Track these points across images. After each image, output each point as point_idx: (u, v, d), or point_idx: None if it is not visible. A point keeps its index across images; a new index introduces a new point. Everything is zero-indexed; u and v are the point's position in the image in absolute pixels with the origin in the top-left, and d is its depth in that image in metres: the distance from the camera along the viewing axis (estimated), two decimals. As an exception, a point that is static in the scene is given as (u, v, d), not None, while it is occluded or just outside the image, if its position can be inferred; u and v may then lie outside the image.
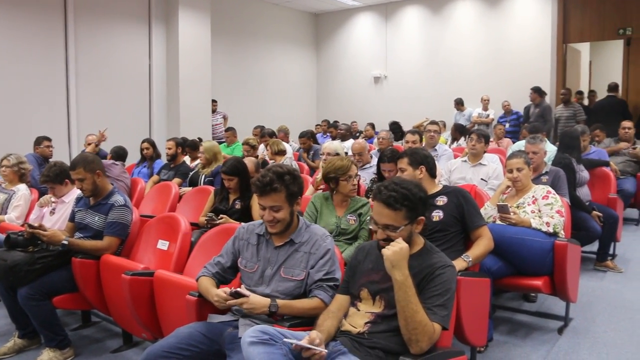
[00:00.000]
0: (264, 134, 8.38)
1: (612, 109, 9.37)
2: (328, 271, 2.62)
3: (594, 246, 5.48)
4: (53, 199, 4.35)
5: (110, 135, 8.35)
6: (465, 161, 5.42)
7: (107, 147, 7.52)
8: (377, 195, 2.34)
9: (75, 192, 4.20)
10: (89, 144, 7.32)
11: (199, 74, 10.95)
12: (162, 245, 3.67)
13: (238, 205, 4.43)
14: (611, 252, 5.62)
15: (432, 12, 12.74)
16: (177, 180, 6.11)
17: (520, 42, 11.43)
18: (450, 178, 5.34)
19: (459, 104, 11.79)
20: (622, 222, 5.93)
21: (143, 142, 7.23)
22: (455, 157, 6.12)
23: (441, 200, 3.35)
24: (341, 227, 3.71)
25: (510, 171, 4.03)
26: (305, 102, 14.68)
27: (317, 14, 14.73)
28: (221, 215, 4.26)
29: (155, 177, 6.55)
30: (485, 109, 11.37)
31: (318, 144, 8.88)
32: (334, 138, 9.69)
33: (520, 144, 6.24)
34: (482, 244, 3.24)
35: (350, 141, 8.30)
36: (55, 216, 4.25)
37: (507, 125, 10.45)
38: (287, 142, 8.61)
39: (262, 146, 7.93)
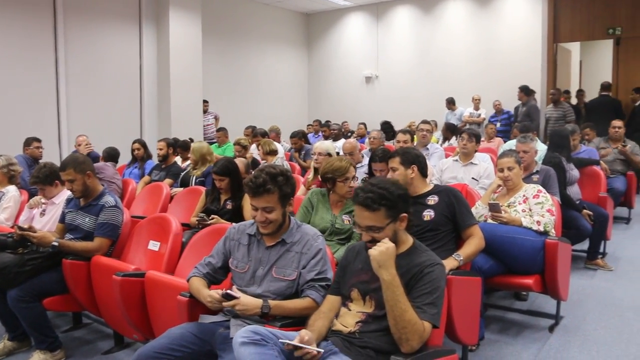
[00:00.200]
0: (255, 133, 8.37)
1: (606, 108, 9.42)
2: (320, 271, 2.62)
3: (585, 245, 5.50)
4: (43, 200, 4.32)
5: (101, 136, 8.36)
6: (456, 160, 5.43)
7: (98, 148, 7.49)
8: (355, 198, 2.35)
9: (65, 193, 4.17)
10: (79, 145, 7.30)
11: (190, 74, 10.92)
12: (153, 246, 3.65)
13: (229, 206, 4.43)
14: (601, 250, 5.65)
15: (423, 12, 12.76)
16: (168, 180, 6.09)
17: (511, 42, 11.48)
18: (441, 177, 5.36)
19: (450, 103, 11.83)
20: (612, 221, 5.98)
21: (134, 142, 7.20)
22: (447, 156, 6.14)
23: (432, 200, 3.36)
24: (336, 226, 3.70)
25: (501, 170, 4.05)
26: (296, 102, 14.67)
27: (308, 13, 14.73)
28: (212, 216, 4.25)
29: (146, 178, 6.52)
30: (477, 108, 11.42)
31: (309, 144, 8.88)
32: (326, 138, 9.69)
33: (511, 143, 6.26)
34: (473, 243, 3.25)
35: (342, 141, 8.30)
36: (46, 217, 4.22)
37: (498, 124, 10.51)
38: (279, 142, 8.61)
39: (253, 146, 7.92)
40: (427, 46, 12.76)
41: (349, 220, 3.71)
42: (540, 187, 4.01)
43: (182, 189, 5.63)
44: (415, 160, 3.43)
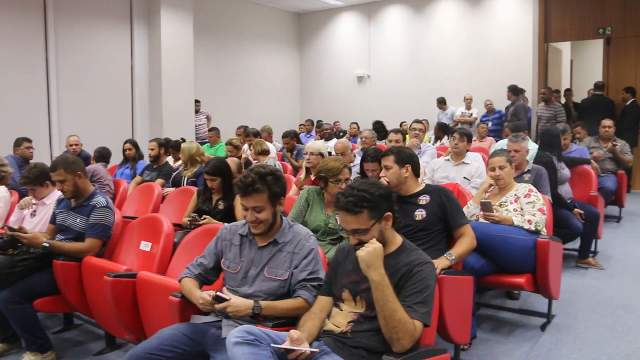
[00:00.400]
0: (247, 133, 8.36)
1: (599, 108, 9.46)
2: (312, 271, 2.62)
3: (576, 243, 5.53)
4: (34, 201, 4.29)
5: (93, 136, 8.32)
6: (448, 160, 5.44)
7: (90, 148, 7.46)
8: (337, 203, 2.35)
9: (56, 194, 4.15)
10: (70, 145, 7.28)
11: (182, 74, 10.88)
12: (145, 246, 3.64)
13: (221, 206, 4.42)
14: (593, 249, 5.67)
15: (414, 11, 12.78)
16: (160, 181, 6.08)
17: (502, 42, 11.51)
18: (433, 177, 5.37)
19: (441, 102, 11.86)
20: (603, 220, 6.01)
21: (125, 142, 7.17)
22: (439, 155, 6.15)
23: (424, 200, 3.36)
24: (329, 226, 3.70)
25: (493, 169, 4.06)
26: (288, 101, 14.65)
27: (300, 13, 14.71)
28: (204, 216, 4.24)
29: (138, 178, 6.50)
30: (469, 108, 11.45)
31: (302, 143, 8.87)
32: (320, 138, 9.69)
33: (503, 143, 6.28)
34: (465, 242, 3.25)
35: (334, 141, 8.30)
36: (36, 218, 4.20)
37: (490, 124, 10.55)
38: (271, 142, 8.60)
39: (246, 146, 7.91)
40: (419, 46, 12.78)
41: None
42: (532, 187, 4.03)
43: (173, 189, 5.61)
44: (410, 160, 3.43)
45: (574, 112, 10.69)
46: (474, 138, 7.67)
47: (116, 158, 7.39)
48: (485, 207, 3.82)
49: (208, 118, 11.51)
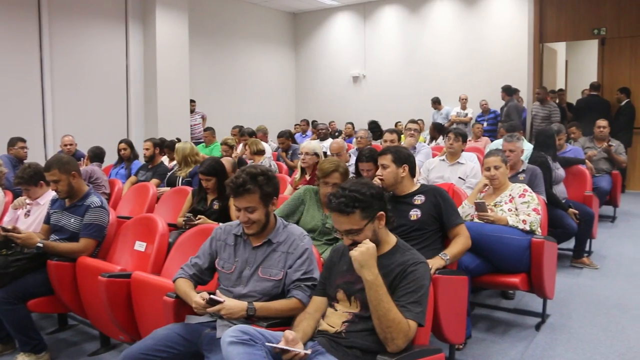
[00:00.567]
0: (243, 132, 8.35)
1: (595, 108, 9.49)
2: (306, 271, 2.61)
3: (571, 243, 5.54)
4: (28, 201, 4.28)
5: (87, 136, 8.30)
6: (443, 160, 5.45)
7: (84, 148, 7.44)
8: (329, 205, 2.35)
9: (50, 194, 4.13)
10: (65, 145, 7.25)
11: (177, 73, 10.85)
12: (140, 246, 3.64)
13: (216, 206, 4.41)
14: (587, 249, 5.69)
15: (410, 11, 12.79)
16: (154, 181, 6.06)
17: (497, 42, 11.54)
18: (428, 177, 5.37)
19: (436, 102, 11.87)
20: (598, 220, 6.03)
21: (120, 142, 7.15)
22: (434, 155, 6.16)
23: (419, 200, 3.36)
24: (326, 226, 3.69)
25: (488, 169, 4.07)
26: (284, 101, 14.64)
27: (295, 13, 14.71)
28: (199, 216, 4.23)
29: (132, 178, 6.49)
30: (464, 108, 11.47)
31: (297, 143, 8.86)
32: (317, 138, 9.69)
33: (498, 143, 6.29)
34: (460, 242, 3.26)
35: (329, 140, 8.30)
36: (30, 218, 4.18)
37: (485, 124, 10.57)
38: (266, 142, 8.59)
39: (241, 145, 7.89)
40: (414, 46, 12.79)
41: None
42: (526, 187, 4.03)
43: (168, 189, 5.60)
44: (407, 160, 3.43)
45: (568, 113, 10.70)
46: (469, 138, 7.69)
47: (111, 158, 7.37)
48: (480, 207, 3.82)
49: (203, 118, 11.49)
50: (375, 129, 9.93)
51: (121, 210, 5.23)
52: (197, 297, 2.50)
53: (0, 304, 3.35)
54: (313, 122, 12.51)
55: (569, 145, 6.91)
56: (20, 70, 8.87)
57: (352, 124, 11.29)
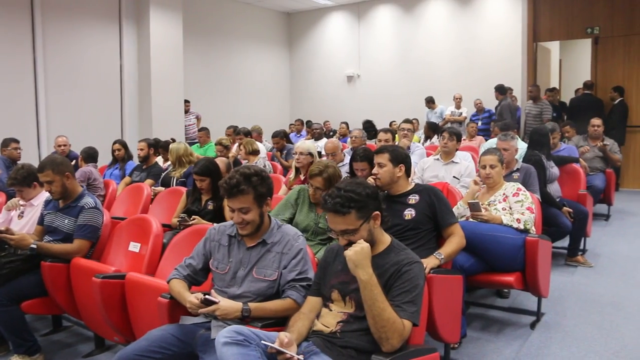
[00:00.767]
0: (238, 132, 8.34)
1: (588, 107, 9.55)
2: (300, 271, 2.61)
3: (565, 242, 5.56)
4: (21, 202, 4.26)
5: (81, 136, 8.27)
6: (437, 159, 5.45)
7: (78, 148, 7.42)
8: (324, 205, 2.34)
9: (44, 195, 4.12)
10: (59, 146, 7.23)
11: (171, 74, 10.83)
12: (134, 247, 3.63)
13: (210, 206, 4.40)
14: (581, 247, 5.71)
15: (404, 11, 12.80)
16: (149, 181, 6.05)
17: (491, 41, 11.55)
18: (423, 176, 5.37)
19: (430, 102, 11.88)
20: (592, 218, 6.05)
21: (114, 143, 7.12)
22: (428, 155, 6.16)
23: (413, 199, 3.36)
24: (319, 226, 3.70)
25: (484, 167, 4.08)
26: (278, 101, 14.63)
27: (289, 13, 14.70)
28: (193, 217, 4.22)
29: (127, 179, 6.47)
30: (458, 107, 11.48)
31: (291, 143, 8.86)
32: (312, 137, 9.68)
33: (492, 142, 6.30)
34: (454, 242, 3.26)
35: (324, 140, 8.29)
36: (24, 220, 4.16)
37: (480, 123, 10.57)
38: (261, 141, 8.58)
39: (236, 145, 7.88)
40: (409, 45, 12.80)
41: None
42: (520, 185, 4.04)
43: (163, 189, 5.58)
44: (404, 160, 3.43)
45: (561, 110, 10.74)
46: (463, 137, 7.70)
47: (105, 158, 7.35)
48: (474, 207, 3.82)
49: (198, 118, 11.47)
50: (369, 128, 9.95)
51: (115, 211, 5.21)
52: (192, 297, 2.50)
53: (-6, 306, 3.34)
54: (307, 122, 12.50)
55: (563, 143, 6.92)
56: (13, 71, 8.84)
57: (346, 123, 11.30)
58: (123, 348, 2.55)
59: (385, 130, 6.10)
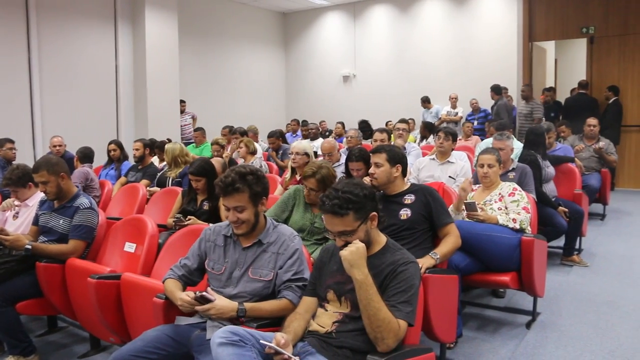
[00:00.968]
0: (234, 132, 8.33)
1: (583, 107, 9.57)
2: (296, 271, 2.61)
3: (561, 241, 5.57)
4: (16, 203, 4.24)
5: (77, 137, 8.24)
6: (433, 159, 5.45)
7: (73, 149, 7.40)
8: (322, 207, 2.33)
9: (39, 195, 4.10)
10: (54, 146, 7.20)
11: (167, 74, 10.81)
12: (129, 247, 3.62)
13: (206, 206, 4.40)
14: (577, 246, 5.71)
15: (399, 11, 12.80)
16: (144, 181, 6.03)
17: (487, 41, 11.57)
18: (418, 176, 5.37)
19: (425, 102, 11.89)
20: (588, 217, 6.06)
21: (110, 143, 7.11)
22: (424, 154, 6.16)
23: (409, 199, 3.36)
24: (315, 225, 3.70)
25: (482, 166, 4.09)
26: (274, 101, 14.62)
27: (285, 13, 14.69)
28: (189, 217, 4.21)
29: (122, 179, 6.46)
30: (454, 107, 11.49)
31: (287, 143, 8.85)
32: (305, 137, 9.68)
33: (488, 142, 6.30)
34: (450, 241, 3.26)
35: (320, 140, 8.29)
36: (19, 220, 4.14)
37: (476, 122, 10.59)
38: (257, 142, 8.57)
39: (231, 145, 7.87)
40: (404, 45, 12.81)
41: None
42: (516, 185, 4.05)
43: (158, 189, 5.57)
44: (401, 160, 3.43)
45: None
46: (459, 137, 7.70)
47: (100, 159, 7.34)
48: (470, 207, 3.82)
49: (193, 118, 11.46)
50: (365, 128, 9.94)
51: (111, 211, 5.20)
52: (183, 295, 2.50)
53: (-11, 307, 3.33)
54: (303, 121, 12.49)
55: (559, 143, 6.94)
56: (8, 71, 8.80)
57: (342, 123, 11.29)
58: (118, 349, 2.54)
59: (381, 130, 6.10)
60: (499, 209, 3.91)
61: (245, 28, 13.59)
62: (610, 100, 9.81)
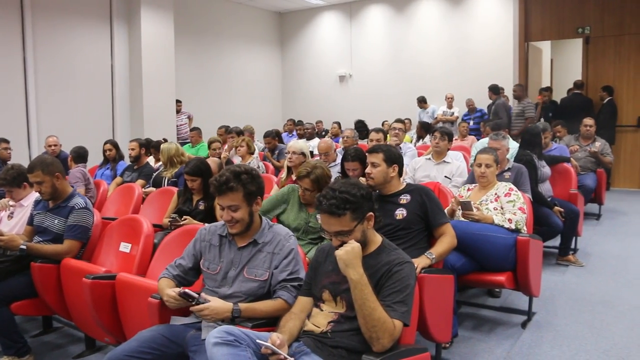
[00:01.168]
0: (230, 131, 8.32)
1: (578, 107, 9.60)
2: (292, 271, 2.61)
3: (556, 241, 5.58)
4: (11, 203, 4.23)
5: (72, 136, 8.22)
6: (429, 159, 5.46)
7: (69, 149, 7.37)
8: (319, 207, 2.33)
9: (33, 195, 4.10)
10: (49, 146, 7.18)
11: (163, 73, 10.78)
12: (125, 247, 3.61)
13: (202, 206, 4.39)
14: (573, 246, 5.73)
15: (396, 11, 12.81)
16: (140, 181, 6.02)
17: (483, 41, 11.59)
18: (414, 176, 5.38)
19: (421, 102, 11.89)
20: (583, 217, 6.07)
21: (106, 143, 7.09)
22: (420, 154, 6.17)
23: (404, 199, 3.36)
24: (310, 225, 3.70)
25: (479, 165, 4.09)
26: (270, 101, 14.60)
27: (281, 12, 14.69)
28: (185, 217, 4.21)
29: (118, 179, 6.44)
30: (450, 107, 11.50)
31: (283, 143, 8.85)
32: (301, 137, 9.66)
33: (484, 142, 6.31)
34: (446, 241, 3.26)
35: (316, 140, 8.28)
36: (14, 220, 4.13)
37: (472, 122, 10.59)
38: (253, 141, 8.56)
39: (227, 145, 7.86)
40: (401, 45, 12.82)
41: None
42: (512, 186, 4.06)
43: (154, 189, 5.56)
44: (397, 160, 3.44)
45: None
46: (455, 137, 7.71)
47: (96, 159, 7.32)
48: (465, 206, 3.83)
49: (190, 118, 11.44)
50: (361, 128, 9.94)
51: (106, 212, 5.19)
52: (169, 291, 2.50)
53: (-17, 308, 3.32)
54: (298, 121, 12.49)
55: (555, 143, 6.95)
56: (3, 71, 8.77)
57: (338, 123, 11.29)
58: (113, 349, 2.54)
59: (377, 130, 6.11)
60: (495, 209, 3.91)
61: (241, 28, 13.57)
62: (605, 101, 9.84)
